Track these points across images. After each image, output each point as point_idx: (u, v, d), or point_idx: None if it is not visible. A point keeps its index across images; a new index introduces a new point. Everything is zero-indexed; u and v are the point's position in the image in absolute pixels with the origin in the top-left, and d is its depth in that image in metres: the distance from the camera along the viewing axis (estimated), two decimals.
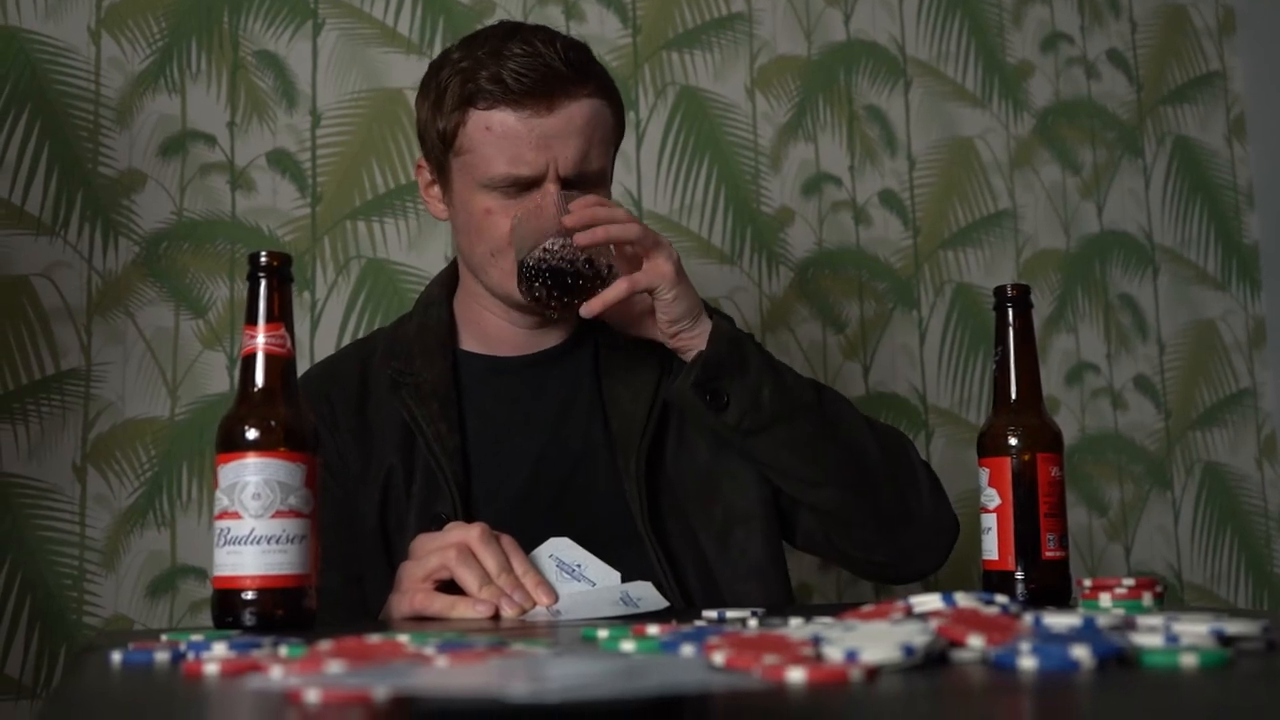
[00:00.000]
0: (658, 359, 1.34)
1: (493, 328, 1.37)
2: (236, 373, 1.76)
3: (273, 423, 0.92)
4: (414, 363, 1.33)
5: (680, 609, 1.19)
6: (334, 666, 0.55)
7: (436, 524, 1.24)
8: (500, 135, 1.25)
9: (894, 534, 1.32)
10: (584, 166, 1.27)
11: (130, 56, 1.80)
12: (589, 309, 1.22)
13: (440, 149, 1.31)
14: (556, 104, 1.25)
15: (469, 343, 1.38)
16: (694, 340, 1.27)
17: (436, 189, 1.36)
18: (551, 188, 1.25)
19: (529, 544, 1.13)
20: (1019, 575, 1.07)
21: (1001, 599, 0.73)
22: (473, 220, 1.30)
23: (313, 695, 0.50)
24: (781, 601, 1.33)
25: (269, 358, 0.94)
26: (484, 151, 1.26)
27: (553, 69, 1.25)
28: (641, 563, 1.25)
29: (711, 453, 1.33)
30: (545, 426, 1.34)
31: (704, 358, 1.25)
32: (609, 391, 1.34)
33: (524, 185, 1.26)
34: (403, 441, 1.29)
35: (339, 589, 1.22)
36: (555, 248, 1.22)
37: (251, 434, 0.92)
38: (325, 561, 0.98)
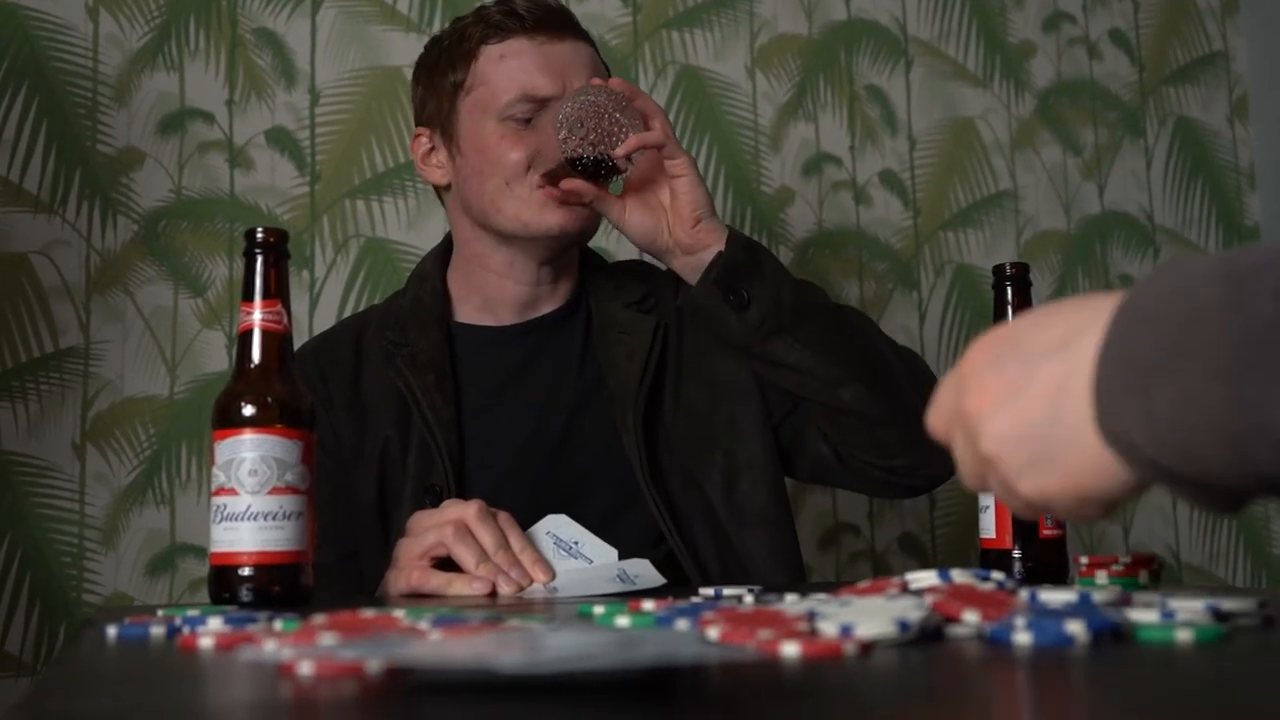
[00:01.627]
0: (653, 320, 1.35)
1: (494, 291, 1.37)
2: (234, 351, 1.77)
3: (269, 399, 0.92)
4: (408, 334, 1.33)
5: (677, 586, 1.19)
6: (327, 639, 0.55)
7: (431, 496, 1.25)
8: (514, 59, 1.31)
9: (913, 433, 1.30)
10: None
11: (128, 33, 1.80)
12: (625, 147, 1.22)
13: (449, 100, 1.34)
14: (566, 36, 1.33)
15: (464, 314, 1.39)
16: (711, 237, 1.27)
17: (436, 154, 1.37)
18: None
19: (524, 510, 1.13)
20: (1016, 553, 1.07)
21: (997, 575, 0.73)
22: (486, 152, 1.31)
23: (306, 667, 0.50)
24: (791, 550, 1.34)
25: (266, 334, 0.94)
26: (498, 79, 1.31)
27: (559, 8, 1.36)
28: (642, 518, 1.25)
29: (710, 404, 1.33)
30: (540, 394, 1.34)
31: (724, 258, 1.25)
32: (604, 353, 1.34)
33: (539, 103, 1.30)
34: (398, 414, 1.30)
35: (334, 565, 1.23)
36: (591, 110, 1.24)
37: (248, 410, 0.92)
38: (320, 538, 0.98)
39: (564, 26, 1.33)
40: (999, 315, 1.12)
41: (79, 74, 1.77)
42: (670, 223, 1.28)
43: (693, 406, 1.34)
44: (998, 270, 1.13)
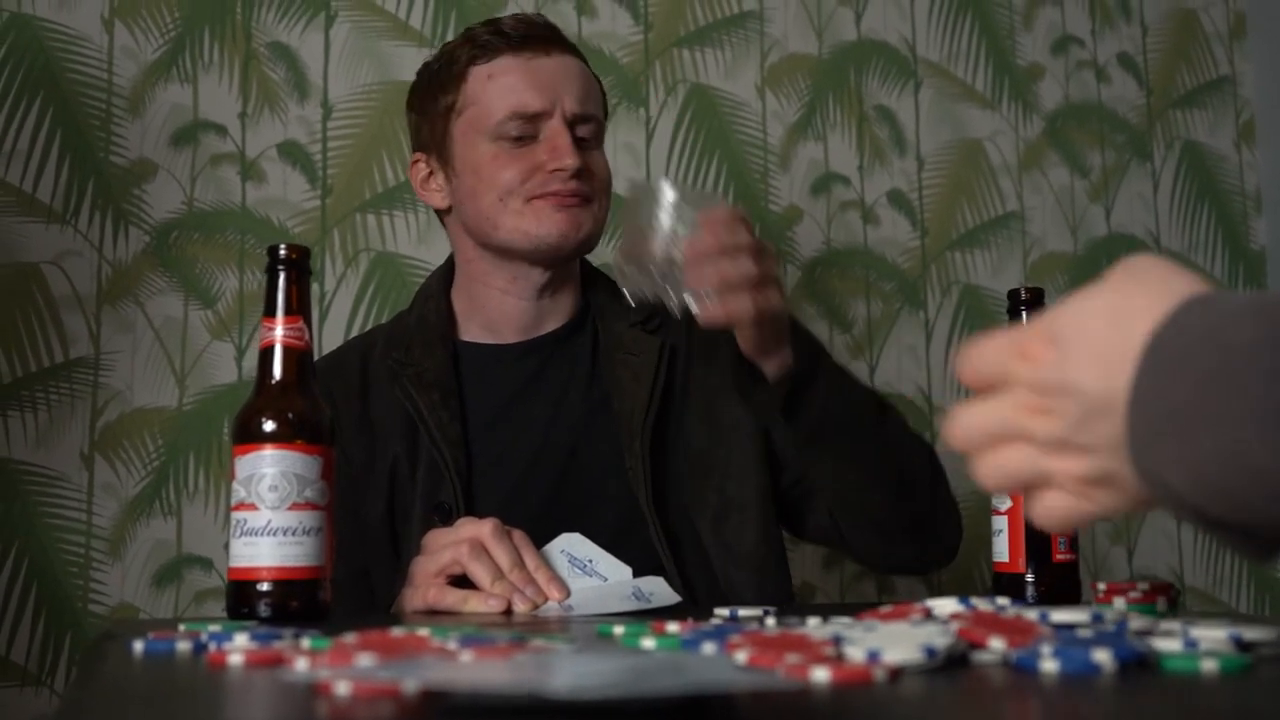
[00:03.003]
0: (659, 338, 1.35)
1: (496, 309, 1.37)
2: (246, 364, 1.77)
3: (290, 415, 0.93)
4: (413, 353, 1.34)
5: (690, 605, 1.19)
6: (363, 660, 0.55)
7: (441, 513, 1.25)
8: (502, 78, 1.31)
9: (923, 537, 1.32)
10: (587, 109, 1.33)
11: (143, 46, 1.80)
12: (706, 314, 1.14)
13: (441, 123, 1.35)
14: (553, 50, 1.33)
15: (469, 333, 1.39)
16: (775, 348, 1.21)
17: (434, 178, 1.38)
18: (560, 125, 1.30)
19: (534, 526, 1.14)
20: (1029, 577, 1.07)
21: (1002, 601, 0.74)
22: (481, 172, 1.32)
23: (343, 688, 0.50)
24: (781, 594, 1.33)
25: (287, 350, 0.94)
26: (488, 99, 1.31)
27: (544, 23, 1.36)
28: (643, 545, 1.25)
29: (709, 441, 1.33)
30: (546, 411, 1.34)
31: (793, 373, 1.20)
32: (609, 374, 1.34)
33: (531, 121, 1.30)
34: (406, 431, 1.30)
35: (345, 582, 1.23)
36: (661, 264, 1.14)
37: (269, 426, 0.92)
38: (334, 554, 0.99)
39: (550, 41, 1.34)
40: None
41: (93, 85, 1.77)
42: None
43: (693, 440, 1.33)
44: (1013, 295, 1.13)
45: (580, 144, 1.32)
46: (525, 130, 1.30)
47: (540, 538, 1.15)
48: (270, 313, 0.95)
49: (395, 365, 1.33)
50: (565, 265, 1.37)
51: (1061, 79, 2.27)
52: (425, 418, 1.28)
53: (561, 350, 1.38)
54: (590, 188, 1.32)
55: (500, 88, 1.31)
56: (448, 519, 1.22)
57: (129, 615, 1.69)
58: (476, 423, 1.32)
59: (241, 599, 0.91)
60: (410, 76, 1.89)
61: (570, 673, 0.47)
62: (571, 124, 1.31)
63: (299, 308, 0.95)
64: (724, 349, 1.25)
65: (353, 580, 1.26)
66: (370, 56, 1.90)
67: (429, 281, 1.44)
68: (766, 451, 1.34)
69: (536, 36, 1.33)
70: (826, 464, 1.27)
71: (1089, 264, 2.23)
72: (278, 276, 0.95)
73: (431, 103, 1.36)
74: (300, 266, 0.96)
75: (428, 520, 1.25)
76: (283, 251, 0.95)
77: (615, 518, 1.27)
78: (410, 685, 0.50)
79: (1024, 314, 1.12)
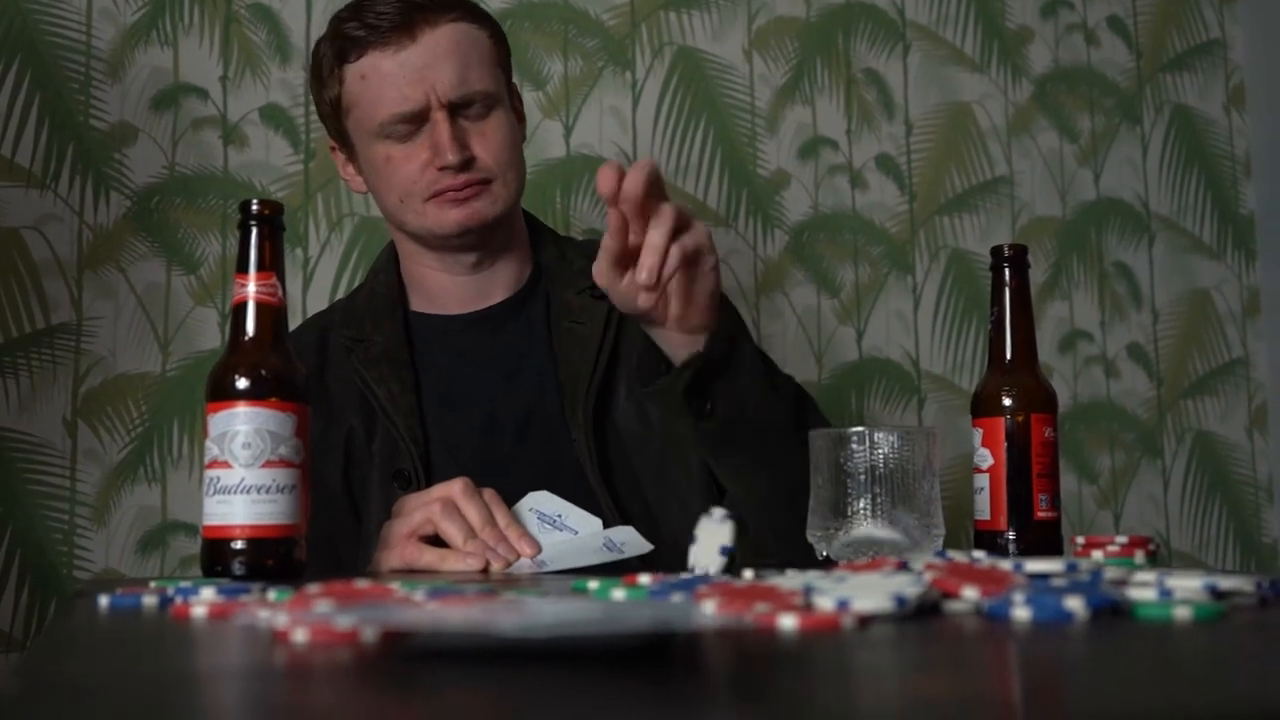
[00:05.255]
0: (606, 305, 1.28)
1: (435, 285, 1.38)
2: (230, 329, 1.76)
3: (263, 372, 0.92)
4: (364, 327, 1.35)
5: (664, 552, 1.17)
6: (321, 606, 0.54)
7: (400, 479, 1.26)
8: (375, 79, 1.28)
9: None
10: (465, 89, 1.28)
11: (122, 8, 1.78)
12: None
13: (335, 119, 1.34)
14: (419, 32, 1.26)
15: (419, 303, 1.39)
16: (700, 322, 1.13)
17: (349, 166, 1.39)
18: (439, 116, 1.26)
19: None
20: (1010, 535, 1.07)
21: (979, 554, 0.73)
22: (379, 173, 1.31)
23: (300, 633, 0.50)
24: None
25: (260, 307, 0.93)
26: (366, 101, 1.29)
27: (409, 2, 1.27)
28: (594, 513, 1.22)
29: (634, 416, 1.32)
30: (499, 381, 1.34)
31: (700, 359, 1.12)
32: (559, 341, 1.34)
33: (411, 121, 1.27)
34: (360, 404, 1.31)
35: (313, 545, 1.21)
36: None
37: (242, 383, 0.91)
38: None
39: (414, 23, 1.26)
40: (996, 297, 1.11)
41: (72, 48, 1.75)
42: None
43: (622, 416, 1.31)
44: (995, 252, 1.12)
45: (469, 125, 1.29)
46: (409, 129, 1.28)
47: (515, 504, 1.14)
48: (243, 269, 0.94)
49: (348, 342, 1.34)
50: (491, 241, 1.35)
51: (1051, 42, 2.25)
52: (375, 391, 1.29)
53: (509, 320, 1.38)
54: (487, 169, 1.29)
55: (373, 90, 1.27)
56: (408, 487, 1.24)
57: (114, 580, 1.68)
58: (430, 392, 1.33)
59: (216, 557, 0.90)
60: None
61: (531, 614, 0.47)
62: (454, 108, 1.28)
63: (272, 264, 0.94)
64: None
65: (319, 545, 1.24)
66: None
67: (380, 255, 1.45)
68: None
69: (400, 24, 1.26)
70: (727, 468, 1.21)
71: (1078, 228, 2.23)
72: (250, 232, 0.94)
73: (321, 98, 1.35)
74: (273, 223, 0.95)
75: (388, 489, 1.26)
76: (255, 207, 0.94)
77: (566, 485, 1.24)
78: (369, 631, 0.49)
79: (1007, 271, 1.11)
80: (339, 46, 1.29)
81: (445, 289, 1.38)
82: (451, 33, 1.28)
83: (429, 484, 1.23)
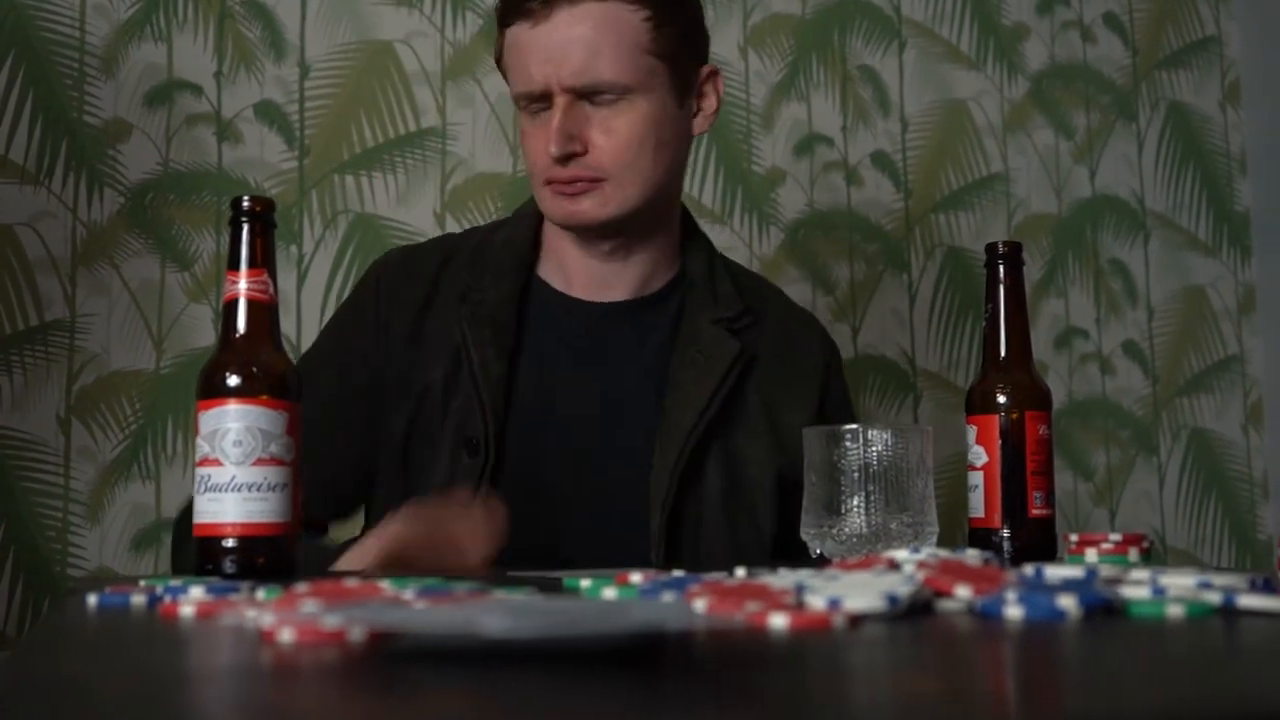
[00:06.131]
0: (738, 345, 1.26)
1: (567, 257, 1.30)
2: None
3: (255, 369, 0.91)
4: (484, 279, 1.27)
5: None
6: (309, 605, 0.54)
7: (469, 449, 1.21)
8: (515, 51, 1.21)
9: None
10: (589, 77, 1.18)
11: (115, 4, 1.78)
12: None
13: (504, 74, 1.28)
14: (556, 8, 1.17)
15: (547, 269, 1.31)
16: None
17: None
18: (560, 101, 1.18)
19: (547, 494, 1.14)
20: (1005, 533, 1.07)
21: (974, 552, 0.73)
22: (521, 139, 1.27)
23: (287, 633, 0.49)
24: None
25: (251, 304, 0.93)
26: (510, 69, 1.24)
27: None
28: (638, 560, 1.18)
29: (757, 466, 1.28)
30: (599, 382, 1.27)
31: None
32: (676, 365, 1.26)
33: (538, 100, 1.21)
34: (453, 355, 1.25)
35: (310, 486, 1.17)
36: None
37: (233, 380, 0.91)
38: (307, 491, 0.96)
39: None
40: (991, 294, 1.11)
41: (66, 44, 1.75)
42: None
43: (737, 460, 1.27)
44: (990, 249, 1.12)
45: (594, 113, 1.20)
46: (539, 106, 1.22)
47: (552, 509, 1.15)
48: (234, 266, 0.93)
49: (463, 289, 1.27)
50: (621, 234, 1.27)
51: (1047, 39, 2.25)
52: (472, 353, 1.23)
53: (637, 321, 1.30)
54: (599, 168, 1.20)
55: (512, 61, 1.22)
56: (475, 454, 1.19)
57: (106, 577, 1.68)
58: (527, 367, 1.26)
59: (207, 556, 0.90)
60: (389, 35, 1.88)
61: (520, 613, 0.46)
62: (579, 93, 1.19)
63: (263, 261, 0.93)
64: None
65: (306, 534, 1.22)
66: (348, 15, 1.88)
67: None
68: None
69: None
70: None
71: (1073, 225, 2.22)
72: (241, 229, 0.93)
73: (497, 50, 1.27)
74: (264, 219, 0.94)
75: (455, 454, 1.21)
76: (246, 203, 0.93)
77: (622, 520, 1.21)
78: (356, 631, 0.49)
79: (1002, 268, 1.11)
80: (501, 8, 1.23)
81: (576, 267, 1.29)
82: (591, 12, 1.18)
83: (498, 459, 1.20)
